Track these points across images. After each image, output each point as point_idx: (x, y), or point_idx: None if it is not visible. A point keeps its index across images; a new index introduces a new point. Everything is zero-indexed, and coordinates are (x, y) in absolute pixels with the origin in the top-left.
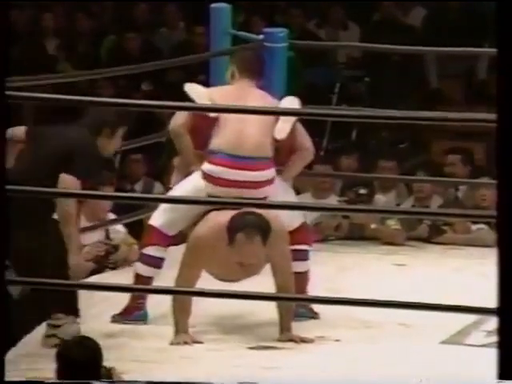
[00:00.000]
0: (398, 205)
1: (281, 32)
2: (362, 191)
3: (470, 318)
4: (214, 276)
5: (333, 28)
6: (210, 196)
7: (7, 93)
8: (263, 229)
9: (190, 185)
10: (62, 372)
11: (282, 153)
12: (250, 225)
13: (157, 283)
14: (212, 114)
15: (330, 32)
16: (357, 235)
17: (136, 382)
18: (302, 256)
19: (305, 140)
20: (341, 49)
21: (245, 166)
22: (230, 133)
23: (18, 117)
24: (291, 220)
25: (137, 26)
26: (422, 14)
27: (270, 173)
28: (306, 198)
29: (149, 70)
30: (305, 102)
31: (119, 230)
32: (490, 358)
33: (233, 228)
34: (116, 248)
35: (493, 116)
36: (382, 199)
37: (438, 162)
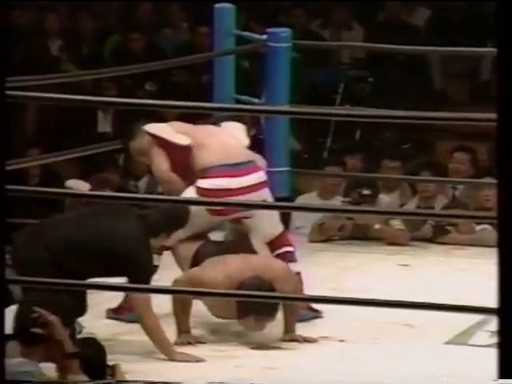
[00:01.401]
0: (402, 205)
1: (284, 32)
2: (366, 192)
3: (475, 318)
4: (209, 309)
5: (336, 28)
6: (210, 211)
7: (7, 92)
8: (273, 309)
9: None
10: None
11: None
12: (260, 308)
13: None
14: (184, 143)
15: (334, 32)
16: (361, 235)
17: (136, 382)
18: (289, 257)
19: None
20: (344, 49)
21: (241, 172)
22: (213, 148)
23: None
24: (275, 227)
25: (140, 27)
26: (426, 15)
27: (263, 174)
28: (312, 198)
29: (152, 69)
30: (308, 102)
31: None
32: (494, 358)
33: (243, 307)
34: None
35: (493, 115)
36: (385, 199)
37: (441, 162)
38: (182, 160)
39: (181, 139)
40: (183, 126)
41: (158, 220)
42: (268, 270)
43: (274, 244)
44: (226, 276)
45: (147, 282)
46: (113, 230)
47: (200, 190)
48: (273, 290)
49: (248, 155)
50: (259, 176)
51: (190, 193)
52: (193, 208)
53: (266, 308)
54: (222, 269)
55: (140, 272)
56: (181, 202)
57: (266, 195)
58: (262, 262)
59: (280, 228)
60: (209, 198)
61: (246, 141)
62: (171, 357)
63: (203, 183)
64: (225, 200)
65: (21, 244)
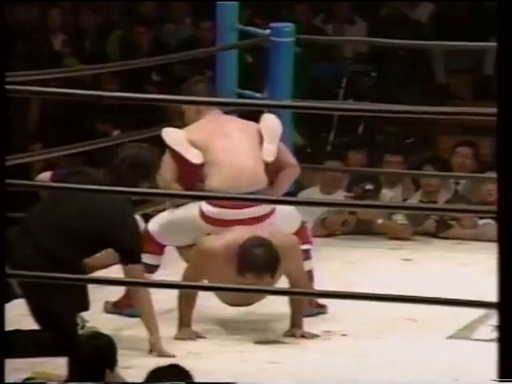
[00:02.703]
0: (405, 200)
1: (287, 27)
2: (369, 187)
3: (477, 312)
4: (220, 297)
5: (339, 23)
6: (208, 234)
7: (7, 87)
8: (273, 266)
9: (189, 219)
10: (73, 367)
11: (269, 172)
12: (259, 264)
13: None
14: (196, 161)
15: (337, 27)
16: (364, 230)
17: (136, 382)
18: (304, 255)
19: (289, 157)
20: (347, 44)
21: (244, 203)
22: (223, 171)
23: None
24: (291, 224)
25: (144, 22)
26: (429, 10)
27: (270, 206)
28: (314, 193)
29: (156, 64)
30: (311, 96)
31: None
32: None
33: (243, 262)
34: None
35: (494, 110)
36: (388, 194)
37: (444, 156)
38: (192, 174)
39: (193, 156)
40: (201, 133)
41: (128, 172)
42: (273, 237)
43: None
44: (226, 243)
45: (135, 250)
46: (94, 201)
47: (202, 214)
48: (276, 253)
49: (258, 182)
50: (263, 207)
51: (193, 207)
52: (191, 218)
53: (265, 265)
54: (224, 236)
55: (126, 238)
56: (185, 196)
57: (272, 222)
58: (267, 230)
59: (298, 223)
60: (209, 224)
61: (271, 156)
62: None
63: (205, 206)
64: (224, 229)
65: (14, 245)
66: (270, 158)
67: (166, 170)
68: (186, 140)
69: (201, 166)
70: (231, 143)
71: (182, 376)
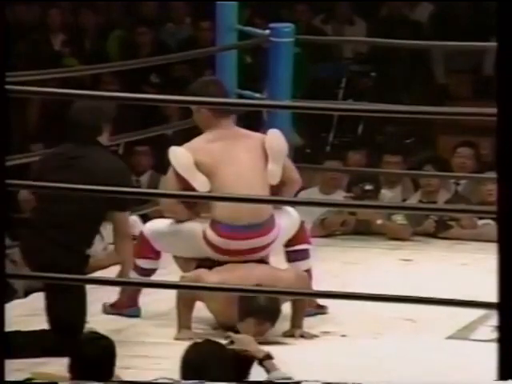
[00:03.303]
0: (404, 200)
1: (287, 27)
2: (368, 187)
3: (477, 313)
4: (216, 319)
5: (339, 23)
6: (210, 259)
7: (7, 87)
8: (274, 315)
9: (191, 235)
10: (75, 368)
11: (272, 187)
12: (261, 311)
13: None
14: (202, 190)
15: (337, 27)
16: (363, 231)
17: (135, 382)
18: (303, 255)
19: (293, 173)
20: (347, 44)
21: (247, 235)
22: (228, 204)
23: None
24: (292, 224)
25: (143, 22)
26: (428, 10)
27: (273, 235)
28: (314, 193)
29: (156, 64)
30: (311, 97)
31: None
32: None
33: (244, 308)
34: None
35: (494, 110)
36: (388, 194)
37: (444, 156)
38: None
39: (200, 185)
40: (208, 157)
41: (91, 119)
42: (273, 280)
43: (289, 240)
44: (225, 281)
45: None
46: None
47: (206, 239)
48: (277, 302)
49: (262, 214)
50: (266, 238)
51: (196, 226)
52: (193, 235)
53: (267, 312)
54: (225, 276)
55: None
56: (182, 196)
57: (274, 245)
58: (268, 272)
59: (297, 225)
60: (211, 250)
61: (278, 177)
62: None
63: (208, 231)
64: (225, 257)
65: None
66: (275, 181)
67: (169, 189)
68: (192, 164)
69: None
70: (238, 170)
71: (218, 349)
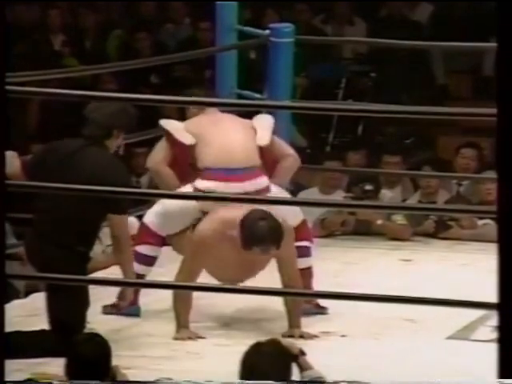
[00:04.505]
0: (404, 200)
1: (287, 27)
2: (368, 187)
3: (477, 313)
4: (215, 277)
5: (339, 23)
6: (203, 211)
7: (7, 87)
8: (278, 237)
9: (180, 204)
10: (70, 368)
11: (267, 165)
12: (266, 238)
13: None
14: (188, 142)
15: (336, 27)
16: (363, 231)
17: (135, 382)
18: (304, 252)
19: (285, 148)
20: (347, 44)
21: (237, 178)
22: (216, 149)
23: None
24: (292, 219)
25: (143, 22)
26: (428, 10)
27: (262, 181)
28: (313, 193)
29: (155, 64)
30: (311, 97)
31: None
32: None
33: (248, 237)
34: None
35: (494, 111)
36: (387, 195)
37: (444, 157)
38: (186, 158)
39: (186, 138)
40: (197, 124)
41: (106, 121)
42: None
43: None
44: (220, 223)
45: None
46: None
47: (196, 190)
48: (279, 224)
49: (251, 160)
50: (257, 183)
51: (187, 190)
52: (183, 203)
53: (271, 238)
54: (216, 217)
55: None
56: (180, 197)
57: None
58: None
59: (299, 219)
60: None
61: (265, 140)
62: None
63: (200, 184)
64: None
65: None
66: (264, 142)
67: (156, 152)
68: (182, 127)
69: (193, 148)
70: (223, 126)
71: (282, 353)
